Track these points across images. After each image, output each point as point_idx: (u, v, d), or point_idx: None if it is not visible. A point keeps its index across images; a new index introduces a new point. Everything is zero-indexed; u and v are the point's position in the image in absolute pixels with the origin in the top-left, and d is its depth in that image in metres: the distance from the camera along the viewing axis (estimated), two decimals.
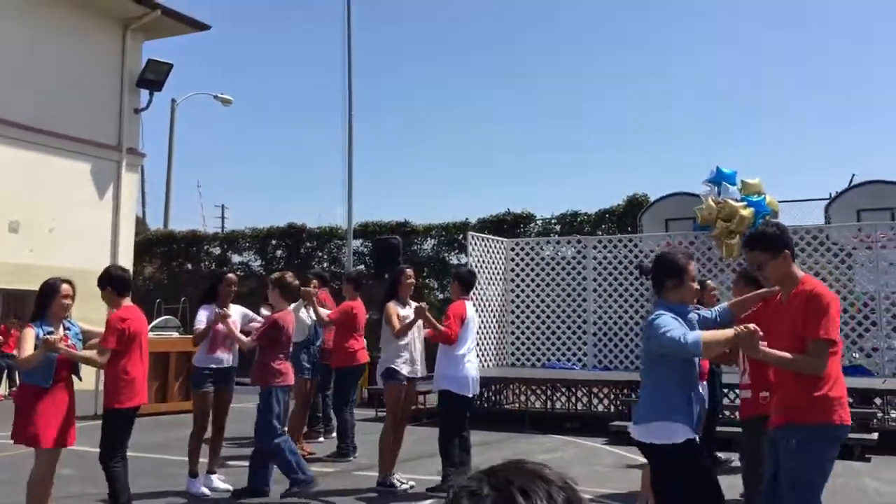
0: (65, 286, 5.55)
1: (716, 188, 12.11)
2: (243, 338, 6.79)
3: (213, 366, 6.94)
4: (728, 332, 3.76)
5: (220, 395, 7.03)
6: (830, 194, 13.89)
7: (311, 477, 6.47)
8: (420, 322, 6.96)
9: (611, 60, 76.56)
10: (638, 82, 72.42)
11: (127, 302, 5.71)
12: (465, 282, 7.18)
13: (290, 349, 6.94)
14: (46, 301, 5.46)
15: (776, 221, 4.12)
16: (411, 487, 6.82)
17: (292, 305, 7.37)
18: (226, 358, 7.03)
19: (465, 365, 6.81)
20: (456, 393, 6.74)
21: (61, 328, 5.43)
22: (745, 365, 5.20)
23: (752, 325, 3.65)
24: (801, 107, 70.16)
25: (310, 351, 8.58)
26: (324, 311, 8.41)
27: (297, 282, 7.05)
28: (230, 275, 7.34)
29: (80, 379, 5.64)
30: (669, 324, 3.78)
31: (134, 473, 7.46)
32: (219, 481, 7.01)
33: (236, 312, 7.25)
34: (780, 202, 12.86)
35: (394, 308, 6.91)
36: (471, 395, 6.89)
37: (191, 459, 6.89)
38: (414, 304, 7.08)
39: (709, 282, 8.25)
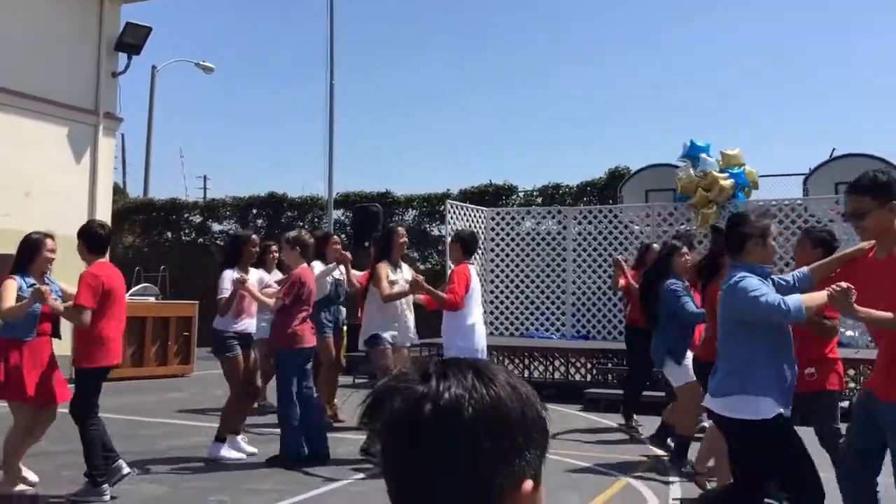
0: (49, 241, 5.48)
1: (690, 162, 12.12)
2: (267, 299, 6.59)
3: (236, 329, 6.81)
4: (822, 294, 3.47)
5: (246, 360, 6.91)
6: (809, 169, 13.93)
7: (299, 457, 6.36)
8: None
9: (592, 32, 76.30)
10: (620, 53, 72.24)
11: (101, 260, 5.61)
12: (468, 244, 6.66)
13: (311, 307, 6.74)
14: (30, 255, 5.39)
15: (889, 169, 3.65)
16: None
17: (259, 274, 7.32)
18: (248, 323, 6.92)
19: (476, 335, 6.43)
20: None
21: (44, 284, 5.35)
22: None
23: (844, 283, 3.36)
24: (780, 79, 70.25)
25: (331, 310, 8.25)
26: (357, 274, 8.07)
27: (312, 239, 6.93)
28: (254, 236, 7.18)
29: (59, 338, 5.55)
30: (760, 287, 3.52)
31: (112, 432, 7.48)
32: (244, 444, 6.87)
33: (253, 276, 7.11)
34: (759, 176, 12.87)
35: (384, 269, 6.53)
36: None
37: (221, 423, 6.70)
38: (406, 266, 6.83)
39: (654, 245, 8.25)
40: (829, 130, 60.49)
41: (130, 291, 16.00)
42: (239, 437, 6.87)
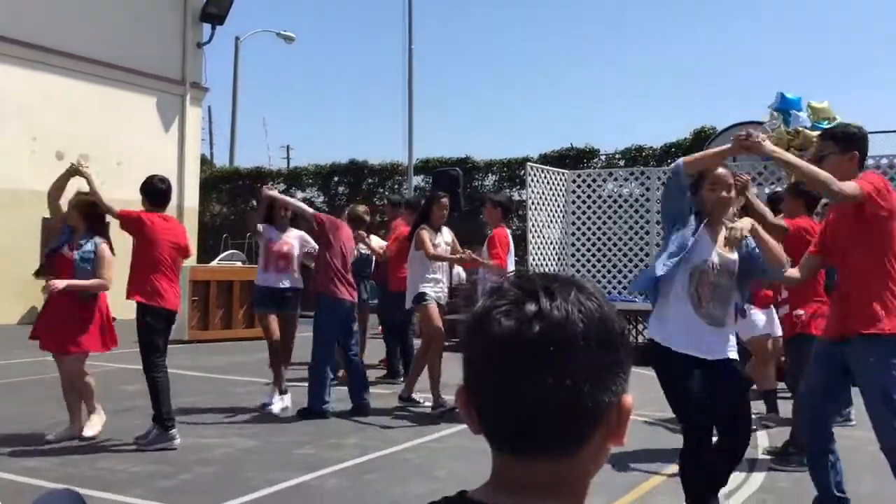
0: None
1: (780, 117, 11.61)
2: (375, 245, 7.90)
3: (271, 285, 6.99)
4: (715, 149, 3.83)
5: (282, 318, 7.06)
6: None
7: (323, 413, 6.59)
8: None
9: None
10: (703, 7, 69.68)
11: (162, 213, 5.89)
12: (507, 207, 7.44)
13: (348, 265, 6.93)
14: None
15: (860, 126, 3.88)
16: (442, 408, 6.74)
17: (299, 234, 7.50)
18: (284, 279, 7.05)
19: None
20: None
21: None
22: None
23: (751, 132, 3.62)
24: (872, 34, 66.67)
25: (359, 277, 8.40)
26: (377, 243, 8.52)
27: (364, 214, 7.64)
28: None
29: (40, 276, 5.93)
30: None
31: (197, 391, 7.74)
32: (279, 399, 7.02)
33: (294, 236, 7.27)
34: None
35: (426, 234, 6.92)
36: None
37: (276, 379, 7.03)
38: (446, 229, 7.20)
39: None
40: None
41: (219, 257, 16.48)
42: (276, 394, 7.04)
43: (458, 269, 12.66)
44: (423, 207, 7.26)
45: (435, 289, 7.00)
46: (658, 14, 74.83)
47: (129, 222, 5.66)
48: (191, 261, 16.93)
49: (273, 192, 7.19)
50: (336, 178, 22.12)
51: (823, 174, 3.55)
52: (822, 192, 3.65)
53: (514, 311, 0.92)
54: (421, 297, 6.95)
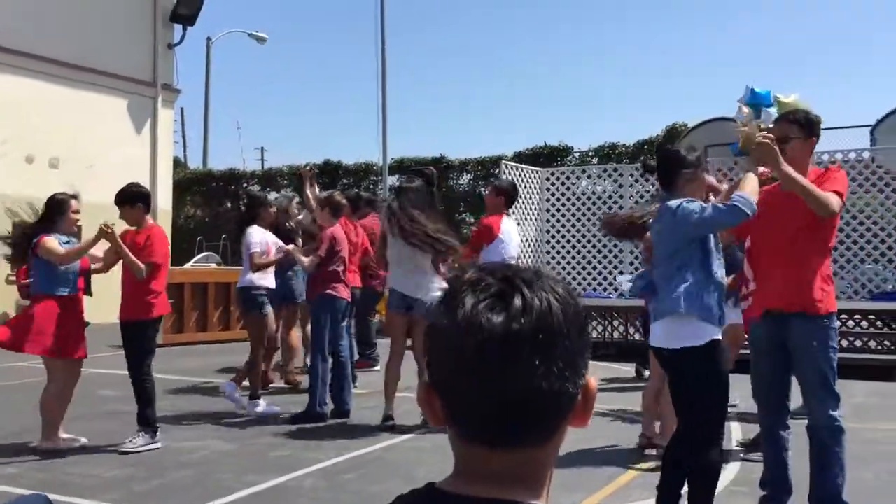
0: (74, 202, 5.63)
1: (751, 112, 11.69)
2: (304, 259, 6.68)
3: (264, 284, 6.94)
4: (749, 178, 3.66)
5: (276, 317, 7.13)
6: (876, 119, 13.42)
7: (323, 415, 6.45)
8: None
9: None
10: (679, 7, 70.20)
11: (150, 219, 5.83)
12: (511, 196, 6.89)
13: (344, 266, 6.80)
14: (55, 216, 5.54)
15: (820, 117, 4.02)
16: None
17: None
18: (271, 278, 7.07)
19: None
20: None
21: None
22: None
23: (769, 135, 3.68)
24: (846, 31, 67.64)
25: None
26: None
27: (344, 200, 7.00)
28: (272, 207, 7.36)
29: (90, 295, 5.73)
30: (699, 205, 3.58)
31: (173, 394, 7.69)
32: (264, 405, 6.92)
33: (270, 238, 7.23)
34: (825, 129, 12.44)
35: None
36: None
37: (252, 384, 6.87)
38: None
39: None
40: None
41: (193, 259, 16.38)
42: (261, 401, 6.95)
43: None
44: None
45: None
46: (632, 13, 75.41)
47: (162, 255, 5.66)
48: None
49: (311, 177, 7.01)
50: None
51: (822, 194, 3.66)
52: (815, 209, 3.67)
53: (501, 305, 0.91)
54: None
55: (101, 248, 6.29)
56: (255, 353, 6.93)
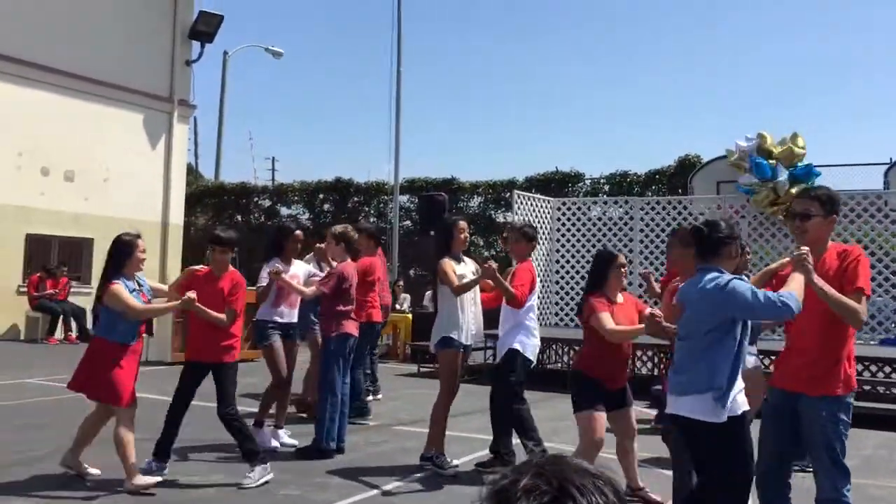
0: (140, 242, 5.62)
1: (759, 182, 11.64)
2: (304, 288, 6.73)
3: (277, 319, 6.93)
4: (797, 278, 3.70)
5: (287, 350, 7.04)
6: (891, 159, 13.45)
7: (330, 451, 6.44)
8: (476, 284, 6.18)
9: (666, 20, 74.58)
10: (691, 41, 70.41)
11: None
12: (533, 239, 6.45)
13: (354, 302, 6.80)
14: (124, 257, 5.49)
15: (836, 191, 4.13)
16: (456, 468, 6.17)
17: (306, 264, 7.42)
18: (287, 312, 7.02)
19: (535, 331, 6.26)
20: (528, 357, 6.17)
21: (135, 284, 5.55)
22: None
23: (805, 248, 3.71)
24: (860, 66, 67.72)
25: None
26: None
27: (357, 234, 6.98)
28: (298, 231, 7.23)
29: (150, 335, 5.77)
30: (749, 288, 3.66)
31: (185, 419, 7.68)
32: (286, 437, 6.95)
33: (300, 269, 7.24)
34: (836, 166, 12.53)
35: (449, 264, 6.07)
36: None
37: (261, 410, 6.92)
38: (469, 259, 6.37)
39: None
40: None
41: None
42: (281, 431, 6.96)
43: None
44: (442, 236, 6.38)
45: (462, 333, 6.12)
46: (648, 46, 75.69)
47: (242, 298, 5.84)
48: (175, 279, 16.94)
49: (281, 277, 6.64)
50: (321, 196, 22.12)
51: (852, 307, 3.72)
52: (849, 322, 3.79)
53: None
54: (446, 342, 6.10)
55: (293, 300, 6.79)
56: (273, 382, 6.98)
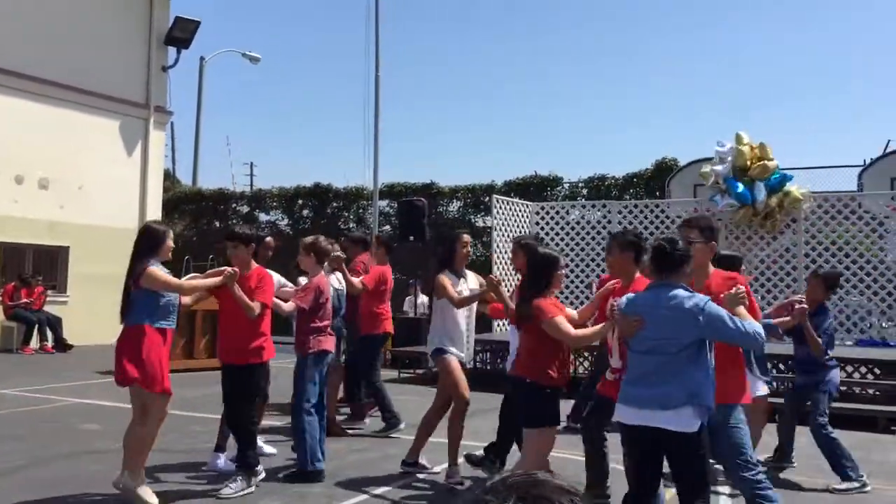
0: (171, 231, 5.56)
1: (736, 204, 11.73)
2: (282, 304, 6.33)
3: None
4: (739, 309, 3.96)
5: None
6: (864, 161, 13.64)
7: (318, 472, 6.11)
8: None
9: (643, 23, 75.15)
10: (672, 44, 70.98)
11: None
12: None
13: (331, 316, 6.55)
14: (155, 244, 5.35)
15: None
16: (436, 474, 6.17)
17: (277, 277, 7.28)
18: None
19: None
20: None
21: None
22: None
23: (741, 287, 4.04)
24: (836, 69, 68.50)
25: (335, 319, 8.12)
26: (355, 279, 7.72)
27: (329, 245, 6.66)
28: (269, 238, 7.10)
29: (176, 329, 5.72)
30: (727, 315, 3.83)
31: (165, 429, 7.59)
32: (266, 446, 6.80)
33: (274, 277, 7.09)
34: (811, 168, 12.71)
35: (446, 280, 5.98)
36: None
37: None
38: (471, 273, 6.26)
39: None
40: (885, 118, 58.88)
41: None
42: (260, 439, 6.69)
43: (423, 299, 12.66)
44: (443, 250, 6.27)
45: (456, 346, 6.07)
46: (626, 55, 76.24)
47: (270, 292, 5.85)
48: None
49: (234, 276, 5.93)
50: (300, 202, 22.07)
51: (753, 337, 3.91)
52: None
53: None
54: (440, 351, 6.08)
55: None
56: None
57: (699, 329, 3.77)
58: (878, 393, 9.33)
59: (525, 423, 4.83)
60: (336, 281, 7.27)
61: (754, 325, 3.81)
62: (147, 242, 5.39)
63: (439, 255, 6.29)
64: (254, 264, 5.84)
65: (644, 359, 3.92)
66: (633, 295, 4.13)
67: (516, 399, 5.02)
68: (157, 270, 5.22)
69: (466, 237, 6.25)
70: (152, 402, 5.30)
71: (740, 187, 11.49)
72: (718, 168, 11.62)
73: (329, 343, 6.41)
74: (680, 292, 3.84)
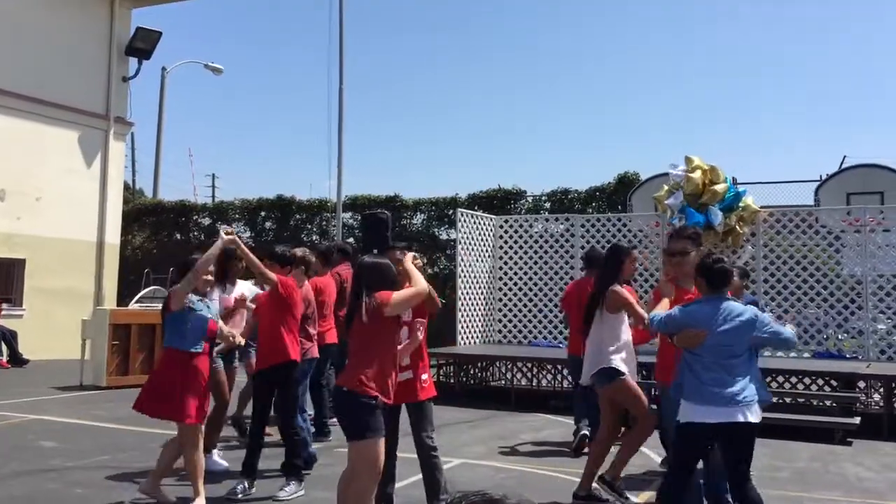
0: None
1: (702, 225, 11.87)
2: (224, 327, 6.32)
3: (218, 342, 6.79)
4: (664, 302, 4.98)
5: (229, 373, 6.98)
6: (821, 176, 13.92)
7: (314, 456, 6.52)
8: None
9: (605, 38, 76.09)
10: (636, 60, 71.96)
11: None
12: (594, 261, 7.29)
13: (312, 319, 6.79)
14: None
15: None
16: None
17: (249, 287, 7.32)
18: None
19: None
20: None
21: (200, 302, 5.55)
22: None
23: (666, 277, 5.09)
24: (792, 86, 69.93)
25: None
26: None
27: (312, 257, 6.92)
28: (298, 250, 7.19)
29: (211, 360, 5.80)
30: (769, 319, 4.64)
31: (116, 446, 7.49)
32: (218, 457, 6.81)
33: (245, 288, 7.15)
34: (769, 183, 12.95)
35: (629, 296, 5.73)
36: None
37: (206, 436, 6.66)
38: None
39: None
40: (840, 135, 60.26)
41: (140, 294, 16.04)
42: (214, 451, 6.80)
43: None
44: (610, 263, 5.91)
45: (626, 364, 5.78)
46: (592, 68, 77.11)
47: (287, 288, 5.97)
48: (111, 303, 16.50)
49: (235, 237, 6.01)
50: (263, 214, 21.88)
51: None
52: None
53: None
54: (616, 373, 5.72)
55: (239, 323, 6.74)
56: (216, 404, 6.81)
57: (757, 332, 4.51)
58: (834, 405, 9.48)
59: (351, 435, 4.42)
60: (248, 290, 7.27)
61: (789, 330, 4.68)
62: (182, 272, 5.56)
63: (606, 269, 5.93)
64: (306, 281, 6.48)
65: (716, 364, 4.48)
66: (689, 308, 4.63)
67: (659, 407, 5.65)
68: (177, 288, 5.40)
69: (636, 253, 6.14)
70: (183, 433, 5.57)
71: (696, 215, 11.62)
72: (670, 201, 11.79)
73: (316, 349, 6.83)
74: (738, 305, 4.60)
